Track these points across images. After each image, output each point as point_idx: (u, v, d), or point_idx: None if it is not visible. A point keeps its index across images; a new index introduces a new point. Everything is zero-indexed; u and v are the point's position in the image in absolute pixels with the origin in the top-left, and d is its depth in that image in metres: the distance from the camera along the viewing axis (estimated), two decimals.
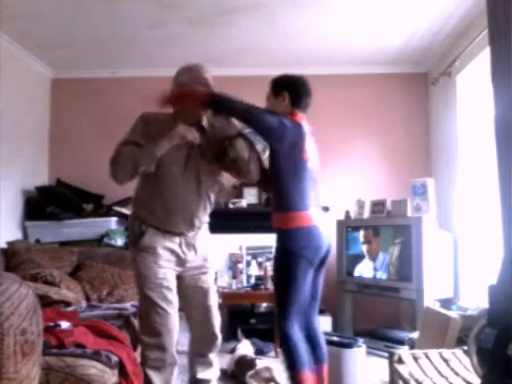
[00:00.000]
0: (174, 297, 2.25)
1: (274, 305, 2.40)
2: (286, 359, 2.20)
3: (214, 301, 2.38)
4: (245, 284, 4.14)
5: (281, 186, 2.24)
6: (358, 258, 4.07)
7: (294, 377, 2.15)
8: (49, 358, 1.82)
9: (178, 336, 2.31)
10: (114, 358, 1.98)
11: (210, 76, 2.26)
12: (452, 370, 2.05)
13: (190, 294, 2.34)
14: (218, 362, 2.56)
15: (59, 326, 2.06)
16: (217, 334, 2.39)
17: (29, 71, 4.43)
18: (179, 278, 2.31)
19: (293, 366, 2.17)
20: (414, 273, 3.56)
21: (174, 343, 2.26)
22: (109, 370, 1.92)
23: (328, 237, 2.29)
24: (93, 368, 1.85)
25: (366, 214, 4.12)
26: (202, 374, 2.40)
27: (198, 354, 2.40)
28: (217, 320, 2.40)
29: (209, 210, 2.36)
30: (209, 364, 2.42)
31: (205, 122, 2.29)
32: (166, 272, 2.23)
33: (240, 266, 4.28)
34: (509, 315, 1.11)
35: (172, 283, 2.25)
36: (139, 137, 2.18)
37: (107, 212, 4.27)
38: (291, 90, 2.35)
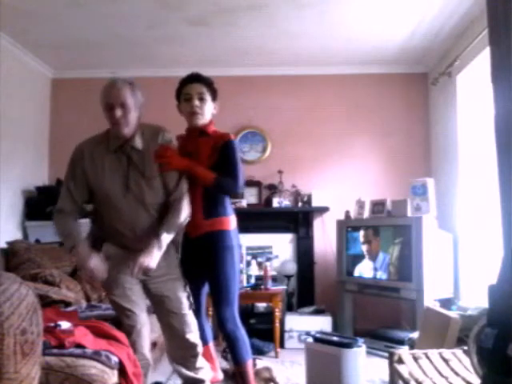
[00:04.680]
0: (138, 298, 2.28)
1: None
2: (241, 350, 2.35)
3: (185, 308, 2.29)
4: (245, 284, 4.13)
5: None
6: (358, 257, 4.08)
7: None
8: (49, 358, 1.82)
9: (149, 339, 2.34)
10: (114, 358, 1.98)
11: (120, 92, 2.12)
12: (452, 369, 2.04)
13: (158, 303, 2.30)
14: (218, 361, 2.55)
15: (59, 326, 2.06)
16: (193, 341, 2.30)
17: (29, 71, 4.43)
18: (145, 287, 2.29)
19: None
20: (413, 273, 3.56)
21: (144, 344, 2.27)
22: (109, 370, 1.92)
23: None
24: (93, 368, 1.85)
25: (366, 213, 4.12)
26: (193, 374, 2.35)
27: (180, 362, 2.35)
28: (191, 328, 2.30)
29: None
30: (195, 368, 2.35)
31: (138, 141, 2.18)
32: (127, 277, 2.21)
33: (240, 265, 4.26)
34: (509, 315, 1.11)
35: (135, 285, 2.26)
36: (73, 183, 2.21)
37: None
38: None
